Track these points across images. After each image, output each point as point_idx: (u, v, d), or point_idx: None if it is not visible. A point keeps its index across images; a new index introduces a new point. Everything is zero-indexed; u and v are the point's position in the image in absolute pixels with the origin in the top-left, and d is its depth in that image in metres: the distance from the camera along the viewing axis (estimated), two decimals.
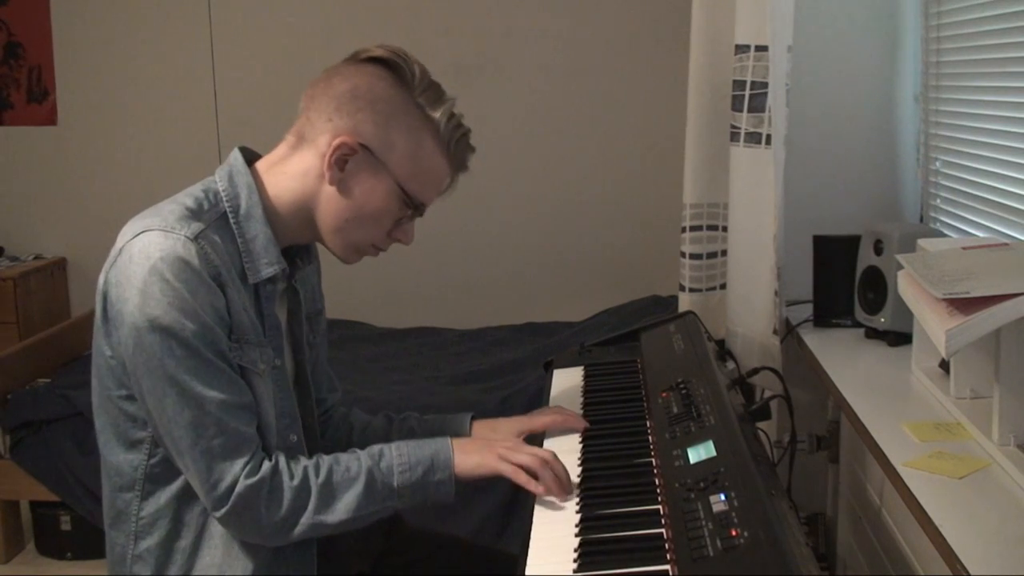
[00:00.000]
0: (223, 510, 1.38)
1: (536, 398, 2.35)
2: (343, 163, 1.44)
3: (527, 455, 1.47)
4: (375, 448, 1.47)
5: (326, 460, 1.44)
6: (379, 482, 1.43)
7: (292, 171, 1.47)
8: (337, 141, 1.42)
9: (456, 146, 1.49)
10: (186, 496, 1.44)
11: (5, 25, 4.16)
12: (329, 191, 1.45)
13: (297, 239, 1.53)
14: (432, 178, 1.49)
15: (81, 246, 4.22)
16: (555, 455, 1.50)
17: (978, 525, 1.32)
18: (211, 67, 4.07)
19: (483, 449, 1.49)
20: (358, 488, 1.42)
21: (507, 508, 2.83)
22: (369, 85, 1.44)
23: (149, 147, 4.14)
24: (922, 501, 1.37)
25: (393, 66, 1.46)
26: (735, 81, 2.23)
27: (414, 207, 1.49)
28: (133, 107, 4.16)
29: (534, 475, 1.45)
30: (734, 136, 2.26)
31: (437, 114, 1.46)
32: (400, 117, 1.45)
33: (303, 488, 1.40)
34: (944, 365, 1.80)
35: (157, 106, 4.14)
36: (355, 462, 1.44)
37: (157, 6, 4.09)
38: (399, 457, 1.46)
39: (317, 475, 1.42)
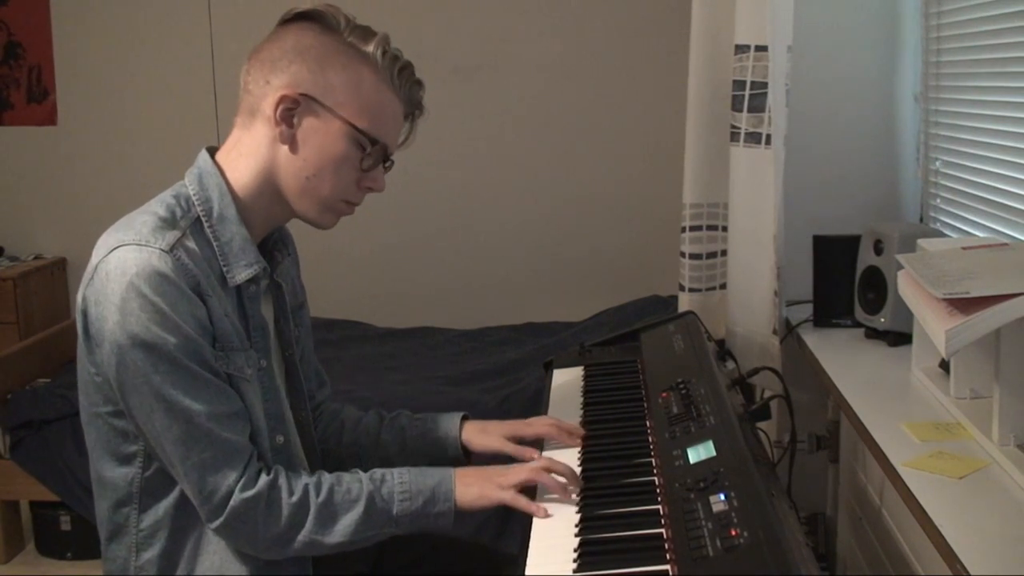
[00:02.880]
0: (218, 522, 1.38)
1: (536, 398, 2.35)
2: (290, 118, 1.42)
3: (525, 470, 1.48)
4: (378, 472, 1.46)
5: (327, 479, 1.43)
6: (379, 508, 1.42)
7: (247, 149, 1.45)
8: (277, 96, 1.41)
9: (400, 78, 1.45)
10: (184, 505, 1.43)
11: (5, 25, 4.16)
12: (284, 152, 1.43)
13: (272, 222, 1.51)
14: (382, 112, 1.45)
15: (81, 246, 4.17)
16: (552, 460, 1.50)
17: (978, 525, 1.32)
18: (211, 66, 4.07)
19: (483, 480, 1.48)
20: (358, 512, 1.41)
21: (507, 508, 2.82)
22: (296, 39, 1.42)
23: (149, 147, 4.13)
24: (922, 501, 1.37)
25: (317, 16, 1.44)
26: (735, 81, 2.23)
27: (371, 144, 1.45)
28: (133, 107, 4.16)
29: (535, 484, 1.46)
30: (734, 136, 2.26)
31: (370, 47, 1.43)
32: (333, 58, 1.42)
33: (302, 505, 1.40)
34: (944, 365, 1.80)
35: (157, 106, 4.14)
36: (356, 484, 1.43)
37: (157, 6, 4.09)
38: (401, 485, 1.45)
39: (318, 494, 1.41)
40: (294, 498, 1.39)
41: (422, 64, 1.50)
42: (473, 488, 1.46)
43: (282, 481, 1.40)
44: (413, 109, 1.50)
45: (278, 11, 1.47)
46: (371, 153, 1.45)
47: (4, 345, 3.49)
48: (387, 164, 1.50)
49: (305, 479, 1.42)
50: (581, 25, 4.01)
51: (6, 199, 4.25)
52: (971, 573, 1.18)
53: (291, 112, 1.42)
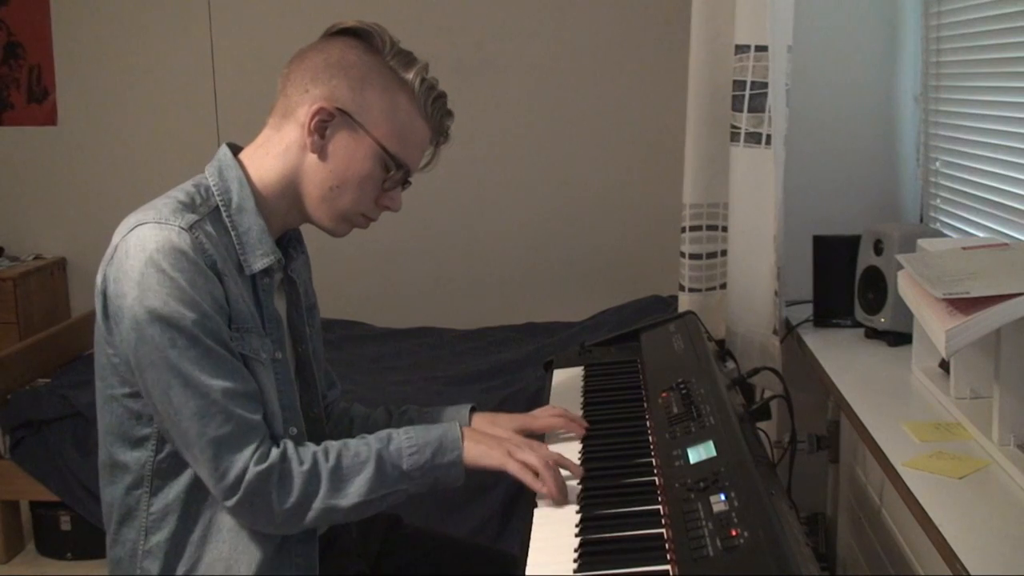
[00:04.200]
0: (234, 499, 1.38)
1: (536, 398, 2.35)
2: (323, 129, 1.46)
3: (534, 455, 1.47)
4: (383, 432, 1.48)
5: (335, 446, 1.45)
6: (389, 464, 1.44)
7: (276, 150, 1.49)
8: (315, 107, 1.45)
9: (433, 107, 1.50)
10: (194, 489, 1.44)
11: (5, 25, 4.16)
12: (312, 160, 1.47)
13: (288, 223, 1.54)
14: (412, 138, 1.50)
15: (81, 246, 4.22)
16: (561, 457, 1.50)
17: (978, 525, 1.32)
18: (211, 67, 4.07)
19: (492, 441, 1.49)
20: (368, 471, 1.43)
21: (507, 508, 2.83)
22: (341, 53, 1.47)
23: (149, 147, 4.14)
24: (922, 501, 1.37)
25: (363, 35, 1.49)
26: (735, 81, 2.23)
27: (397, 167, 1.49)
28: (133, 107, 4.16)
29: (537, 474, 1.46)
30: (734, 136, 2.25)
31: (410, 75, 1.48)
32: (374, 79, 1.47)
33: (313, 473, 1.41)
34: (944, 365, 1.80)
35: (157, 106, 4.14)
36: (364, 447, 1.45)
37: (157, 6, 4.09)
38: (407, 440, 1.46)
39: (327, 460, 1.42)
40: (304, 466, 1.40)
41: None
42: (481, 445, 1.48)
43: (291, 452, 1.41)
44: (439, 137, 1.55)
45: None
46: (394, 174, 1.50)
47: (4, 345, 3.49)
48: (405, 185, 1.54)
49: (313, 448, 1.44)
50: (581, 25, 4.01)
51: (6, 199, 4.25)
52: (971, 573, 1.18)
53: (325, 124, 1.46)
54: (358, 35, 1.49)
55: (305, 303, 1.62)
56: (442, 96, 1.52)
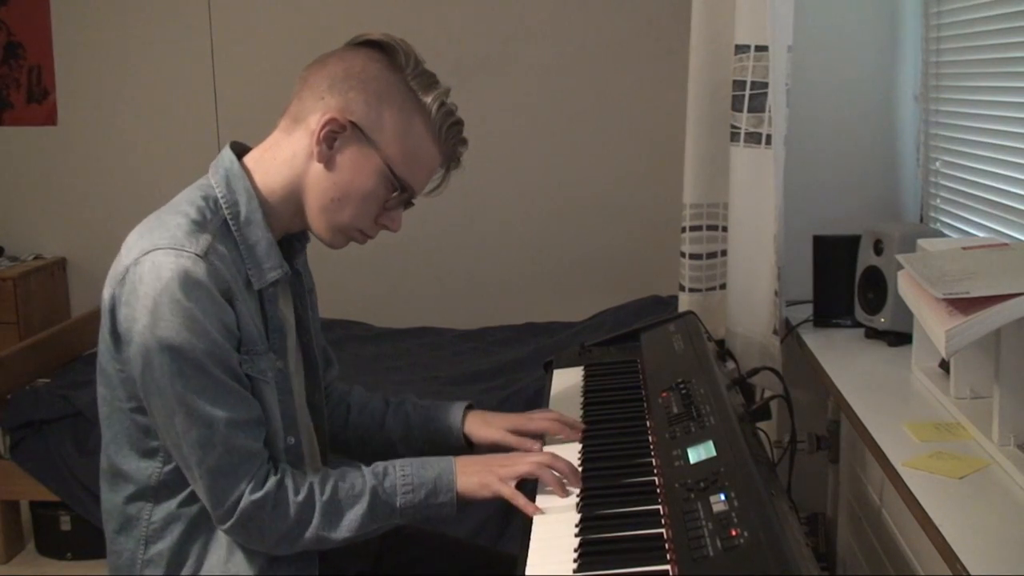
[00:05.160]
0: (229, 524, 1.40)
1: (536, 398, 2.35)
2: (332, 140, 1.44)
3: (525, 463, 1.48)
4: (380, 466, 1.48)
5: (332, 476, 1.45)
6: (382, 502, 1.44)
7: (283, 155, 1.47)
8: (326, 117, 1.42)
9: (447, 134, 1.48)
10: (198, 500, 1.44)
11: (5, 25, 4.16)
12: (317, 169, 1.45)
13: (291, 229, 1.53)
14: (421, 162, 1.48)
15: (81, 246, 4.22)
16: (554, 456, 1.50)
17: (978, 525, 1.32)
18: (211, 67, 4.07)
19: (485, 471, 1.49)
20: (362, 507, 1.43)
21: (507, 508, 2.81)
22: (363, 66, 1.45)
23: (149, 147, 4.14)
24: (922, 501, 1.37)
25: (388, 49, 1.47)
26: (735, 81, 2.23)
27: (401, 189, 1.47)
28: (133, 107, 4.16)
29: (535, 478, 1.47)
30: (734, 136, 2.26)
31: (428, 99, 1.46)
32: (391, 98, 1.45)
33: (307, 504, 1.41)
34: (944, 365, 1.80)
35: (157, 106, 4.14)
36: (360, 480, 1.45)
37: (157, 6, 4.09)
38: (403, 478, 1.46)
39: (322, 492, 1.42)
40: (300, 496, 1.41)
41: None
42: (474, 478, 1.48)
43: (288, 481, 1.41)
44: (451, 163, 1.52)
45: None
46: (397, 196, 1.48)
47: (4, 345, 3.49)
48: (407, 206, 1.53)
49: (310, 477, 1.44)
50: (581, 25, 4.01)
51: (6, 199, 4.25)
52: (971, 573, 1.18)
53: (335, 135, 1.44)
54: (382, 49, 1.47)
55: (306, 285, 1.63)
56: (459, 123, 1.49)
